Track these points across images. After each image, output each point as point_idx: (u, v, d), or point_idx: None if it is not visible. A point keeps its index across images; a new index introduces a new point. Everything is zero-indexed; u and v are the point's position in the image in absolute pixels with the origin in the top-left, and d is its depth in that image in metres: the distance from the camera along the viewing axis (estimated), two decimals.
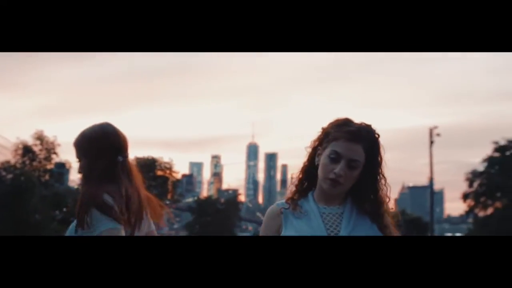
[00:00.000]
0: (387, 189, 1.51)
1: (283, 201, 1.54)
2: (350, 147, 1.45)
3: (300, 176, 1.55)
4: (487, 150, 29.96)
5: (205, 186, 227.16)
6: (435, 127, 29.15)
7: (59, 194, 26.83)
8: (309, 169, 1.52)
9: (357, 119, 1.52)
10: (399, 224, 1.51)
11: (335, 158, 1.45)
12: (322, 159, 1.47)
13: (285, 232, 1.43)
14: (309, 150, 1.54)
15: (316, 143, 1.53)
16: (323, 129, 1.53)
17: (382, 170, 1.50)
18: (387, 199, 1.51)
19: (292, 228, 1.44)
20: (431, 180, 28.73)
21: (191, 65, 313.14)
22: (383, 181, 1.50)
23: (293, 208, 1.48)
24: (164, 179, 34.85)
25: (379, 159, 1.49)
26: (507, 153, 28.99)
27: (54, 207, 25.83)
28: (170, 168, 35.39)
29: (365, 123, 1.49)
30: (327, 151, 1.47)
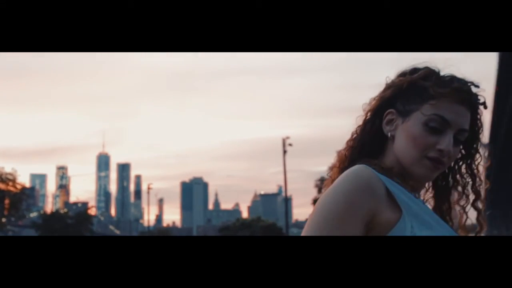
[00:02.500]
0: (480, 184, 1.01)
1: (362, 165, 0.93)
2: (461, 112, 0.95)
3: (351, 145, 1.01)
4: (331, 159, 33.07)
5: (49, 200, 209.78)
6: (287, 137, 31.31)
7: None
8: (365, 141, 1.00)
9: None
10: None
11: (438, 127, 0.94)
12: (411, 128, 0.95)
13: (406, 223, 0.89)
14: (368, 112, 1.01)
15: (382, 103, 0.99)
16: (398, 82, 0.99)
17: (480, 154, 1.02)
18: (482, 204, 1.00)
19: (418, 218, 0.92)
20: (285, 187, 30.56)
21: (33, 67, 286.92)
22: (478, 172, 1.01)
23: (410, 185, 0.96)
24: (3, 192, 31.09)
25: (480, 136, 1.01)
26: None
27: None
28: (13, 180, 31.71)
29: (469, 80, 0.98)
30: (420, 116, 0.95)
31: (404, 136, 0.96)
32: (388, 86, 1.01)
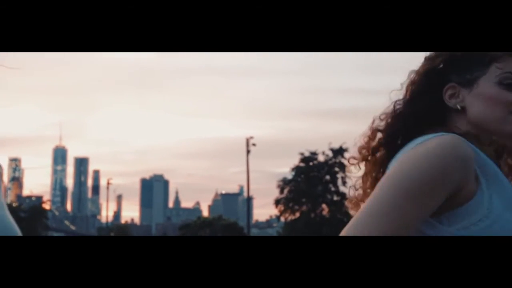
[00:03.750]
0: None
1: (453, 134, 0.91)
2: None
3: (400, 119, 0.98)
4: (295, 161, 33.53)
5: None
6: (251, 137, 31.47)
7: None
8: (419, 115, 0.97)
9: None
10: None
11: None
12: (486, 91, 0.94)
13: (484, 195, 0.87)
14: (414, 90, 1.00)
15: (433, 76, 0.98)
16: (450, 56, 0.98)
17: None
18: None
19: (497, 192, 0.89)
20: (248, 186, 30.67)
21: None
22: None
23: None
24: None
25: None
26: (311, 163, 32.87)
27: None
28: None
29: None
30: (490, 78, 0.95)
31: (480, 101, 0.95)
32: (434, 58, 1.00)
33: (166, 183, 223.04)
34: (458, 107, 0.97)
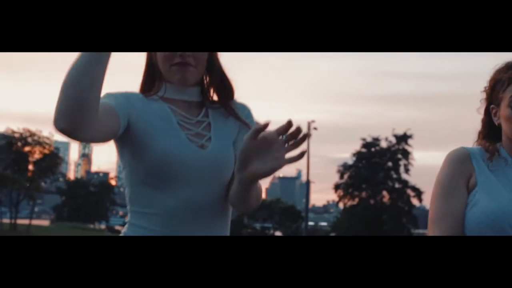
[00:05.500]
0: None
1: (469, 146, 1.32)
2: None
3: (482, 130, 1.35)
4: (356, 146, 32.93)
5: (72, 168, 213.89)
6: (313, 121, 31.02)
7: None
8: (489, 128, 1.33)
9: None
10: None
11: None
12: (504, 113, 1.26)
13: (479, 181, 1.23)
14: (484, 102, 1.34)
15: (486, 103, 1.33)
16: (490, 81, 1.31)
17: None
18: None
19: (487, 182, 1.24)
20: (308, 171, 30.55)
21: None
22: None
23: (489, 158, 1.27)
24: (44, 158, 31.66)
25: None
26: (373, 149, 32.09)
27: None
28: (50, 144, 32.37)
29: None
30: (506, 100, 1.26)
31: (503, 120, 1.27)
32: (487, 85, 1.32)
33: None
34: (496, 124, 1.30)
